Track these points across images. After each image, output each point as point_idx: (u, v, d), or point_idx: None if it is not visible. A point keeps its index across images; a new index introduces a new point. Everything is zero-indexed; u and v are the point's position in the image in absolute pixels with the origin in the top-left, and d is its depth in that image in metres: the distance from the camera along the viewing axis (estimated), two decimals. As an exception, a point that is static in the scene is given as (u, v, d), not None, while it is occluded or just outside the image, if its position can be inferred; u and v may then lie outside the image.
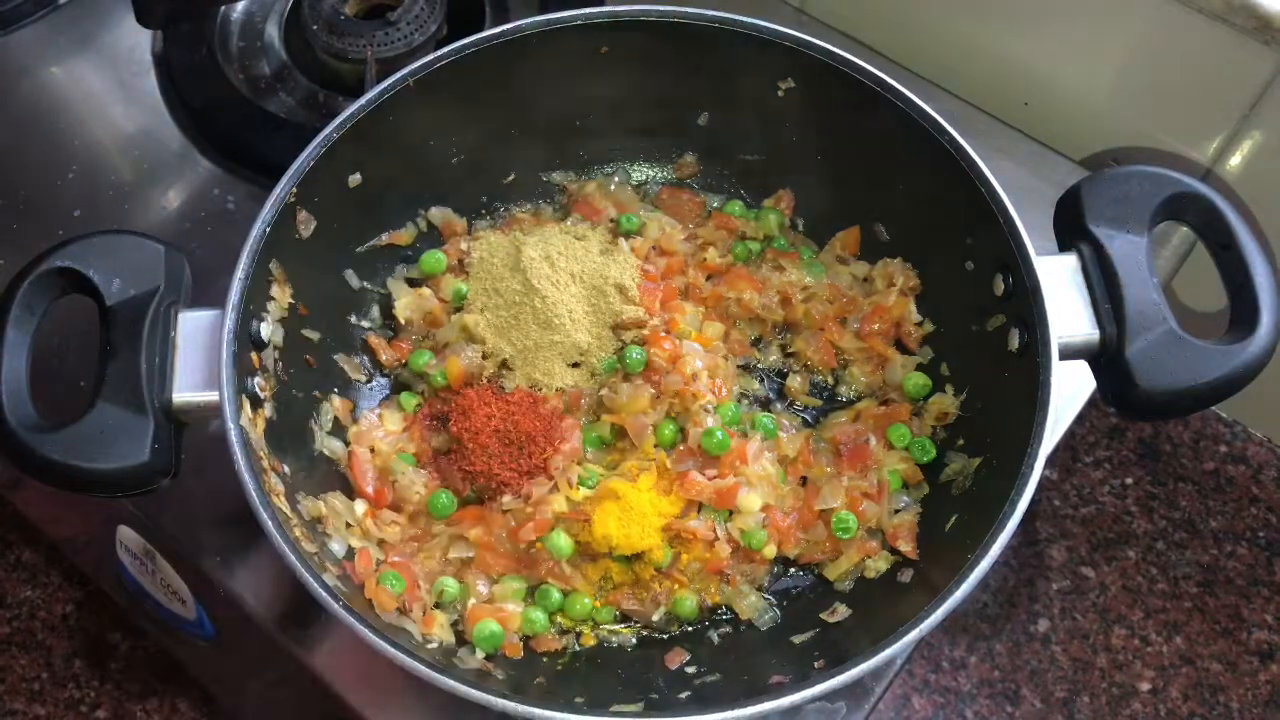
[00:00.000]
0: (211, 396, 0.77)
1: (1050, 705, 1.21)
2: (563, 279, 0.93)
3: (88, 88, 1.17)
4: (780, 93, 0.96)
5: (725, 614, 0.88)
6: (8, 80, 1.16)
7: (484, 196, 1.03)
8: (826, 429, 0.94)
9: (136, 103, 1.15)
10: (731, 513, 0.87)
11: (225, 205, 1.09)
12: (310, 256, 0.88)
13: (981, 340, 0.88)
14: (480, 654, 0.83)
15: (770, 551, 0.88)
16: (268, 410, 0.83)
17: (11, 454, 0.74)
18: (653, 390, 0.91)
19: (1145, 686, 1.22)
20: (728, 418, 0.91)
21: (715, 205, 1.05)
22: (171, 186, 1.10)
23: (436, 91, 0.91)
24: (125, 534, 0.98)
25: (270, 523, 0.73)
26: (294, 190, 0.84)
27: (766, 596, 0.88)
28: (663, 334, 0.93)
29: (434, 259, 0.98)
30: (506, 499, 0.87)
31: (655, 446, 0.90)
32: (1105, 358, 0.81)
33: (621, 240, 0.99)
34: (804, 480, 0.91)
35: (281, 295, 0.86)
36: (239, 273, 0.80)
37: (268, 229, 0.82)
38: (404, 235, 0.99)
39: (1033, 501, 0.75)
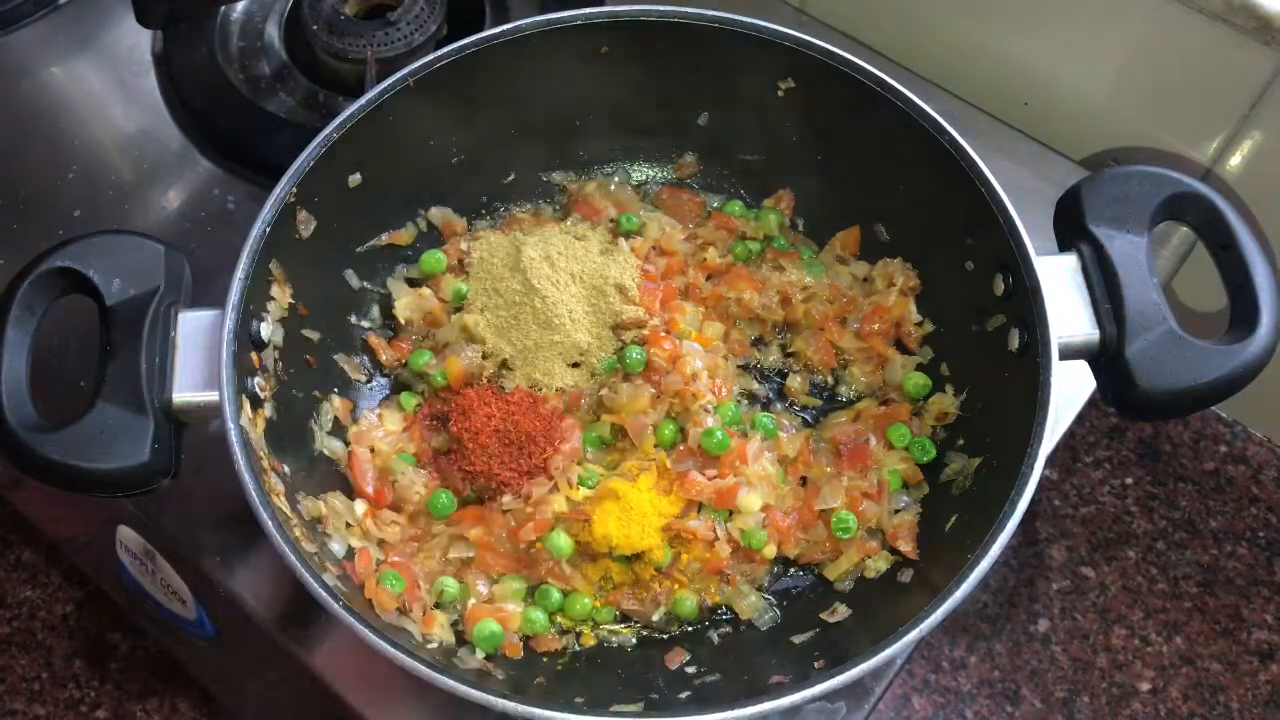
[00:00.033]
0: (211, 396, 0.77)
1: (1050, 705, 1.21)
2: (563, 279, 0.93)
3: (88, 88, 1.17)
4: (780, 93, 0.96)
5: (725, 614, 0.88)
6: (8, 80, 1.16)
7: (484, 196, 1.03)
8: (826, 429, 0.94)
9: (136, 103, 1.15)
10: (731, 513, 0.87)
11: (225, 205, 1.09)
12: (310, 256, 0.88)
13: (981, 340, 0.88)
14: (480, 654, 0.83)
15: (770, 551, 0.87)
16: (268, 410, 0.83)
17: (12, 454, 0.74)
18: (653, 390, 0.91)
19: (1145, 686, 1.22)
20: (728, 418, 0.91)
21: (715, 205, 1.05)
22: (171, 186, 1.10)
23: (436, 91, 0.91)
24: (125, 534, 0.98)
25: (270, 523, 0.73)
26: (294, 190, 0.84)
27: (766, 596, 0.88)
28: (663, 334, 0.93)
29: (434, 259, 0.98)
30: (506, 499, 0.87)
31: (655, 446, 0.90)
32: (1105, 358, 0.81)
33: (621, 240, 0.99)
34: (804, 480, 0.91)
35: (281, 295, 0.86)
36: (239, 273, 0.80)
37: (268, 229, 0.82)
38: (404, 235, 0.99)
39: (1032, 501, 0.75)
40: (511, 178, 1.03)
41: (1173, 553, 1.28)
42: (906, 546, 0.87)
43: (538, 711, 0.70)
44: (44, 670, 1.28)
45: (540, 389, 0.92)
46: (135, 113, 1.15)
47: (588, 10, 0.93)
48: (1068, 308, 0.81)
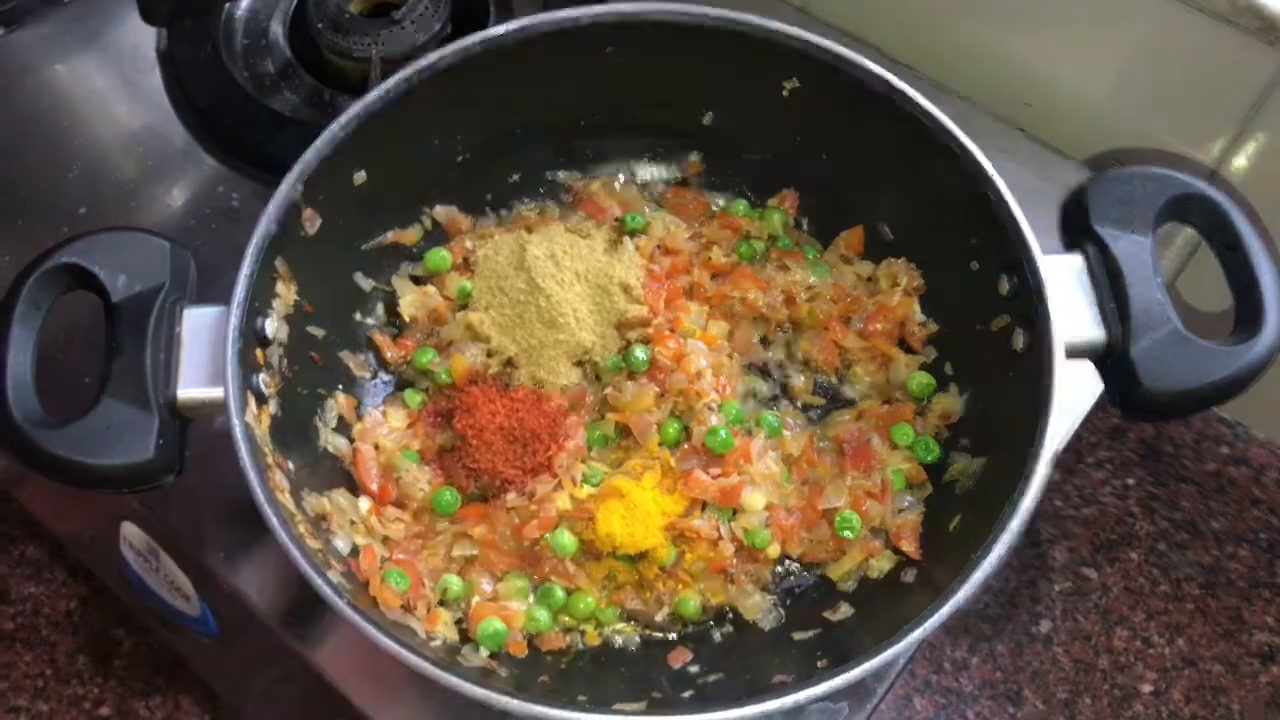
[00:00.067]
0: (216, 393, 0.77)
1: (1052, 706, 1.21)
2: (567, 278, 0.93)
3: (92, 85, 1.17)
4: (785, 92, 0.96)
5: (728, 613, 0.88)
6: (12, 78, 1.16)
7: (489, 195, 1.03)
8: (830, 428, 0.94)
9: (141, 100, 1.15)
10: (735, 512, 0.87)
11: (230, 203, 1.09)
12: (315, 254, 0.88)
13: (986, 340, 0.88)
14: (484, 652, 0.83)
15: (774, 550, 0.88)
16: (272, 407, 0.83)
17: (16, 450, 0.74)
18: (657, 389, 0.91)
19: (1147, 688, 1.22)
20: (731, 416, 0.91)
21: (720, 204, 1.05)
22: (176, 184, 1.10)
23: (441, 90, 0.91)
24: (129, 530, 0.98)
25: (275, 519, 0.73)
26: (299, 188, 0.84)
27: (770, 595, 0.88)
28: (667, 333, 0.93)
29: (439, 257, 0.98)
30: (511, 497, 0.87)
31: (659, 445, 0.90)
32: (1110, 358, 0.81)
33: (626, 239, 0.99)
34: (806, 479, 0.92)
35: (286, 292, 0.86)
36: (244, 270, 0.80)
37: (273, 226, 0.82)
38: (409, 233, 0.99)
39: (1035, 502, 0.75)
40: (516, 176, 1.03)
41: (1174, 554, 1.28)
42: (910, 546, 0.87)
43: (541, 709, 0.70)
44: (48, 666, 1.28)
45: (545, 387, 0.92)
46: (140, 110, 1.15)
47: (592, 9, 0.93)
48: (1072, 308, 0.81)
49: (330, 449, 0.89)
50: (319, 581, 0.72)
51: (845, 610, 0.85)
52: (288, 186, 0.83)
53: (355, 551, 0.83)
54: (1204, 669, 1.22)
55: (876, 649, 0.72)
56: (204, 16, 1.16)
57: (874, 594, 0.86)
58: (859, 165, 0.97)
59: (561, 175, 1.05)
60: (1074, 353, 0.80)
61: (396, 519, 0.88)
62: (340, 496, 0.85)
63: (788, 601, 0.88)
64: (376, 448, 0.90)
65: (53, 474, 0.75)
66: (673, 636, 0.87)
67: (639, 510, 0.85)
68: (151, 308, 0.78)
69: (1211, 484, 1.31)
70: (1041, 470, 0.76)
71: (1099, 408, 0.95)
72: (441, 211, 1.00)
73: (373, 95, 0.88)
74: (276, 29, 1.19)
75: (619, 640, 0.87)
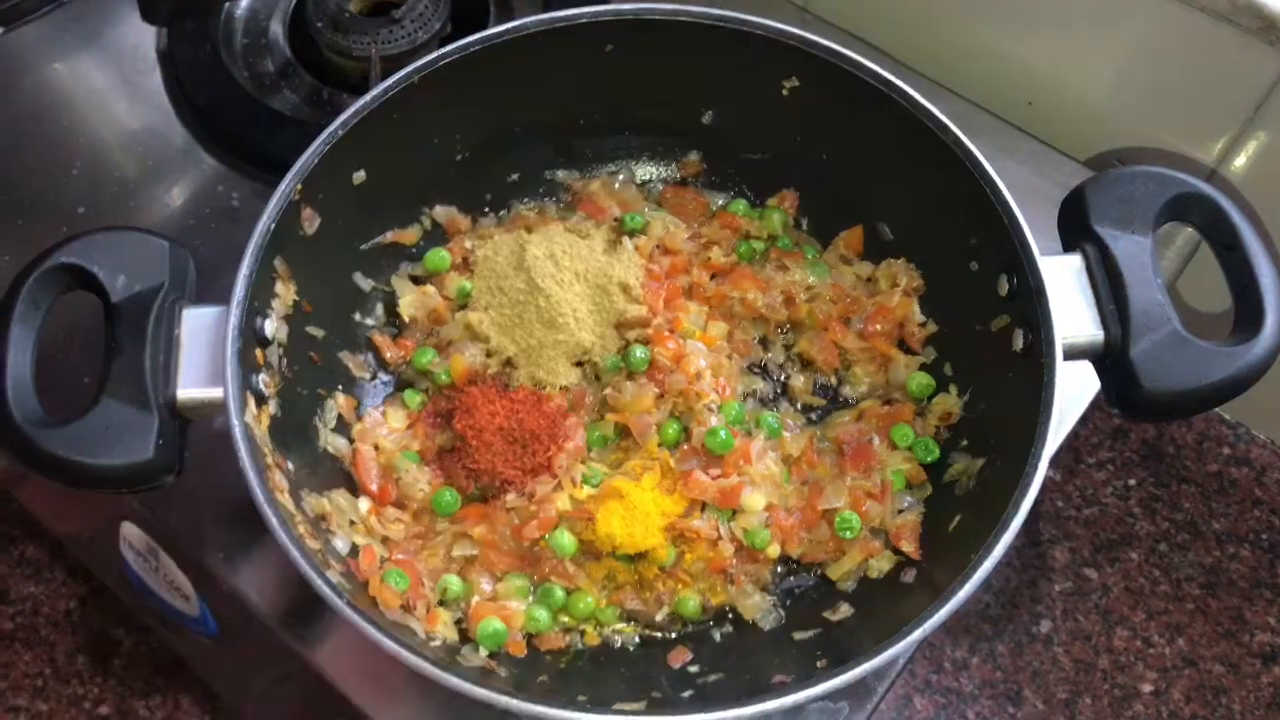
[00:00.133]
0: (216, 393, 0.77)
1: (1052, 706, 1.21)
2: (567, 278, 0.93)
3: (92, 84, 1.17)
4: (784, 92, 0.96)
5: (728, 613, 0.88)
6: (12, 77, 1.16)
7: (488, 194, 1.03)
8: (830, 428, 0.94)
9: (141, 99, 1.15)
10: (735, 512, 0.87)
11: (229, 202, 1.09)
12: (315, 254, 0.88)
13: (985, 340, 0.88)
14: (484, 652, 0.83)
15: (773, 551, 0.87)
16: (272, 407, 0.83)
17: (16, 449, 0.74)
18: (656, 389, 0.91)
19: (1148, 688, 1.22)
20: (731, 417, 0.91)
21: (719, 204, 1.05)
22: (176, 183, 1.10)
23: (441, 89, 0.91)
24: (129, 530, 0.98)
25: (274, 519, 0.73)
26: (298, 187, 0.84)
27: (770, 595, 0.88)
28: (666, 333, 0.93)
29: (438, 257, 0.98)
30: (510, 497, 0.87)
31: (659, 445, 0.90)
32: (1110, 358, 0.81)
33: (625, 239, 0.99)
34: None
35: (286, 292, 0.86)
36: (243, 269, 0.80)
37: (272, 226, 0.82)
38: (409, 233, 0.99)
39: (1035, 502, 0.75)
40: (516, 176, 1.03)
41: (1175, 554, 1.28)
42: (909, 547, 0.87)
43: (541, 709, 0.70)
44: (47, 666, 1.28)
45: (544, 387, 0.92)
46: (139, 109, 1.15)
47: (592, 9, 0.93)
48: (1072, 308, 0.81)
49: (330, 449, 0.89)
50: (318, 582, 0.72)
51: (845, 610, 0.85)
52: (287, 186, 0.83)
53: (355, 552, 0.83)
54: (1204, 669, 1.22)
55: (876, 649, 0.72)
56: (204, 16, 1.16)
57: (874, 594, 0.86)
58: (859, 165, 0.97)
59: (561, 175, 1.05)
60: (1073, 353, 0.80)
61: (396, 519, 0.88)
62: (340, 497, 0.85)
63: (788, 601, 0.88)
64: (376, 448, 0.90)
65: (52, 474, 0.75)
66: (672, 636, 0.87)
67: (639, 511, 0.85)
68: (151, 308, 0.78)
69: (1213, 484, 1.31)
70: (1041, 470, 0.76)
71: (1100, 408, 0.95)
72: (441, 211, 1.00)
73: (372, 94, 0.88)
74: (276, 28, 1.19)
75: (619, 640, 0.87)
